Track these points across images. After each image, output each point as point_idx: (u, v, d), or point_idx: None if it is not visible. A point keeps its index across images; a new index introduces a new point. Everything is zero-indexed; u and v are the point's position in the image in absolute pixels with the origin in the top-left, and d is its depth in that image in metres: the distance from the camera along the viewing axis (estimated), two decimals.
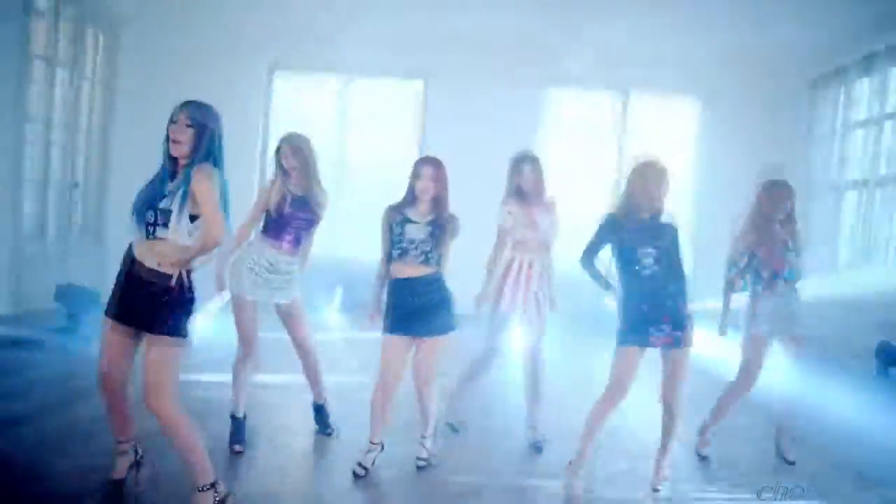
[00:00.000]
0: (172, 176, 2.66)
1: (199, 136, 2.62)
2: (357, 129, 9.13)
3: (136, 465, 2.93)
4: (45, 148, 6.94)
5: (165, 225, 2.58)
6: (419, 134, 8.93)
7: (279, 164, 3.65)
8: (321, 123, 8.98)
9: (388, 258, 3.50)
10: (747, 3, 6.85)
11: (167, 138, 2.66)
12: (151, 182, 2.70)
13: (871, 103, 7.22)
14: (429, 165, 3.46)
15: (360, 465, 3.42)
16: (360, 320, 3.71)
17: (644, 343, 3.27)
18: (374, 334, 3.57)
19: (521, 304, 3.93)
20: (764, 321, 3.87)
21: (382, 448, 3.51)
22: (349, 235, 8.89)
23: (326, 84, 9.13)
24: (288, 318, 3.73)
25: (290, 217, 3.60)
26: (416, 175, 3.46)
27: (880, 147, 6.94)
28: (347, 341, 6.76)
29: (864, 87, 7.38)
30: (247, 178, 8.16)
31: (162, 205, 2.59)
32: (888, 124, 6.87)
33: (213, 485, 2.70)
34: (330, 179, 8.27)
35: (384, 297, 3.54)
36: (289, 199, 3.58)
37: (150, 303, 2.60)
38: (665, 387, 3.39)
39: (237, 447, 3.58)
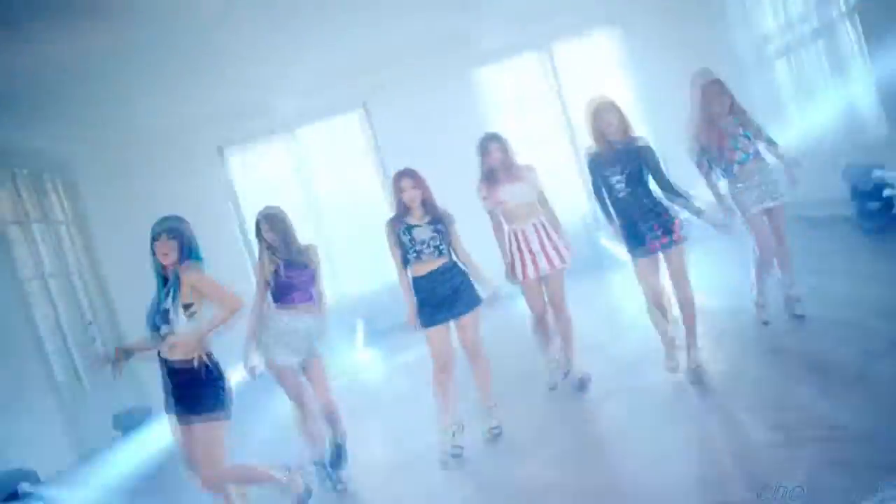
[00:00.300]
0: (165, 282, 3.18)
1: (181, 244, 3.16)
2: (320, 174, 9.51)
3: None
4: (49, 300, 7.31)
5: (167, 322, 3.09)
6: (375, 158, 9.30)
7: (261, 240, 4.02)
8: (284, 181, 9.38)
9: (406, 263, 3.93)
10: None
11: (153, 253, 3.17)
12: (155, 298, 3.22)
13: None
14: (406, 177, 3.91)
15: (454, 447, 3.84)
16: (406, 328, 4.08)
17: (645, 252, 3.84)
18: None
19: (534, 268, 4.28)
20: (743, 203, 4.21)
21: (462, 427, 3.93)
22: (346, 273, 9.29)
23: (275, 144, 9.53)
24: (310, 375, 4.04)
25: (291, 280, 3.95)
26: (399, 189, 3.91)
27: (789, 9, 7.28)
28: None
29: None
30: (235, 254, 8.63)
31: (162, 307, 3.12)
32: None
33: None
34: (310, 227, 8.82)
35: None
36: (282, 265, 3.93)
37: (187, 390, 3.08)
38: (674, 283, 3.93)
39: (340, 486, 3.94)
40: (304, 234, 4.29)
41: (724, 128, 4.22)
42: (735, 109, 4.27)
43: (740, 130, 4.24)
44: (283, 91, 8.55)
